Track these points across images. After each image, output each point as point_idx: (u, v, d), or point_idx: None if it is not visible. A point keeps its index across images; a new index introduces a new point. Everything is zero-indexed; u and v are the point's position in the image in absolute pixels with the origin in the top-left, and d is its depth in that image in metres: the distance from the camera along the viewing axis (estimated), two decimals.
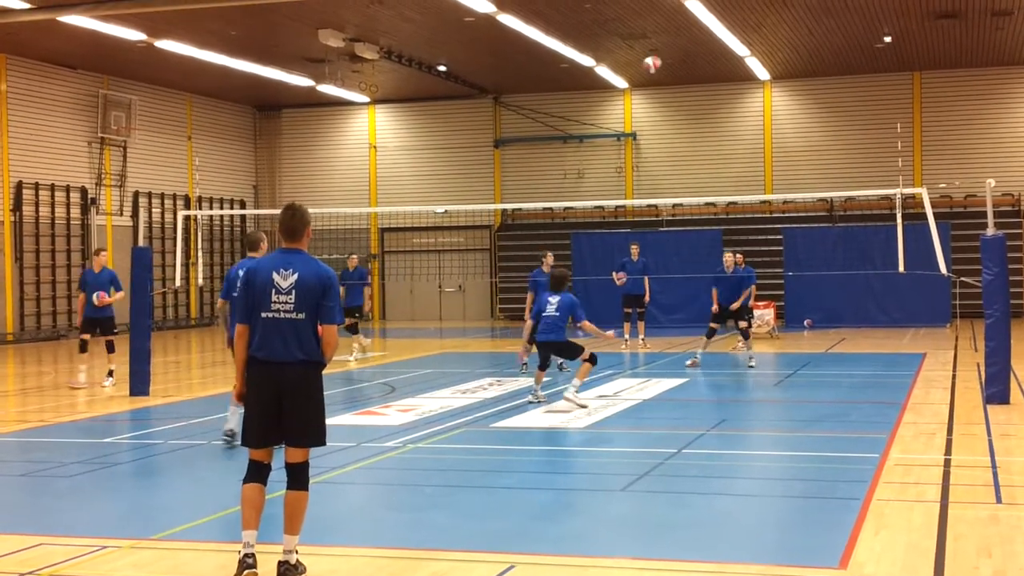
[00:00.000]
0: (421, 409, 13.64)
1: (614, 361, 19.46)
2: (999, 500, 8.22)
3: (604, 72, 30.66)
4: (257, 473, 6.58)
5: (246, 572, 6.35)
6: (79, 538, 7.41)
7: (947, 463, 9.58)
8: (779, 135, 32.53)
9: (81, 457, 10.75)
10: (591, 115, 33.82)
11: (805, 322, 27.93)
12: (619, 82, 32.32)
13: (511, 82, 32.95)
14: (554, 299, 13.77)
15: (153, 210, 32.06)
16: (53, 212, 28.88)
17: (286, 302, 6.49)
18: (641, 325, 23.01)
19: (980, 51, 28.90)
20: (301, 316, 6.49)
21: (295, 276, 6.52)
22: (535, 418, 12.87)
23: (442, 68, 30.59)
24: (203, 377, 18.75)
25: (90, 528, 7.78)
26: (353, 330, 20.78)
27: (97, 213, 30.10)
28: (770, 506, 8.53)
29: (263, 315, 6.50)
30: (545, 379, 14.22)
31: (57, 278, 28.97)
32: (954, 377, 16.36)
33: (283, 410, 6.51)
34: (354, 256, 22.48)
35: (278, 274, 6.52)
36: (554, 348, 14.03)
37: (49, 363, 22.11)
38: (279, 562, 6.45)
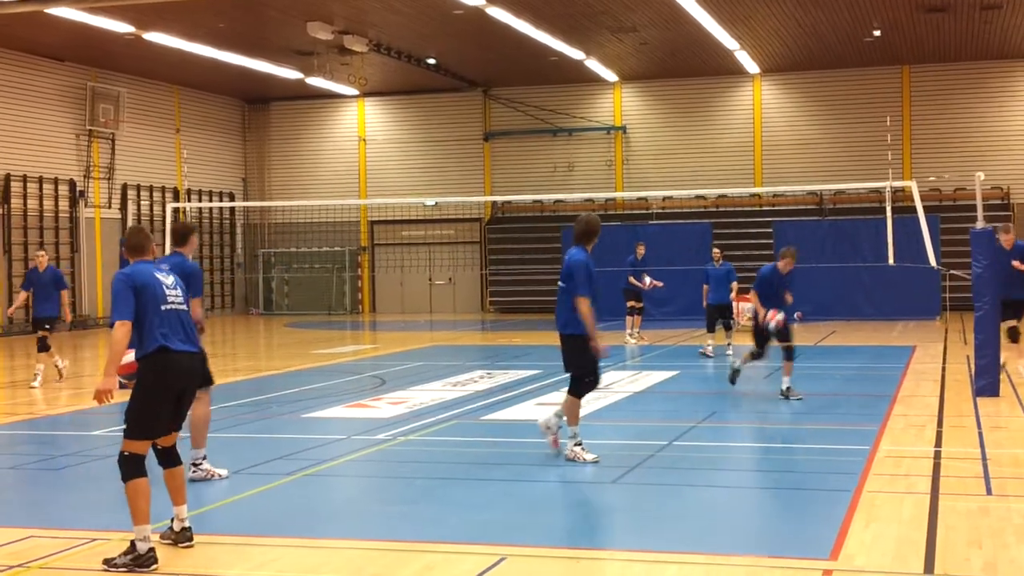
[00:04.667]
0: (412, 402, 13.62)
1: None
2: (989, 492, 8.24)
3: (594, 65, 30.63)
4: (143, 465, 6.91)
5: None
6: (69, 531, 7.40)
7: (937, 455, 9.60)
8: (769, 128, 32.54)
9: (71, 450, 10.72)
10: (581, 108, 33.79)
11: (795, 315, 27.84)
12: (609, 75, 32.29)
13: (501, 75, 32.91)
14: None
15: (142, 203, 31.97)
16: (41, 205, 28.77)
17: (176, 295, 7.02)
18: (638, 319, 23.02)
19: (969, 45, 28.94)
20: (186, 308, 7.11)
21: (171, 276, 7.16)
22: (526, 411, 12.85)
23: (431, 61, 30.54)
24: None
25: (80, 521, 7.76)
26: (43, 346, 16.08)
27: (85, 206, 30.01)
28: (760, 498, 8.54)
29: (163, 307, 6.90)
30: None
31: None
32: (944, 370, 16.40)
33: (181, 399, 7.03)
34: (42, 253, 17.33)
35: (159, 273, 7.06)
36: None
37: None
38: (183, 528, 7.02)
